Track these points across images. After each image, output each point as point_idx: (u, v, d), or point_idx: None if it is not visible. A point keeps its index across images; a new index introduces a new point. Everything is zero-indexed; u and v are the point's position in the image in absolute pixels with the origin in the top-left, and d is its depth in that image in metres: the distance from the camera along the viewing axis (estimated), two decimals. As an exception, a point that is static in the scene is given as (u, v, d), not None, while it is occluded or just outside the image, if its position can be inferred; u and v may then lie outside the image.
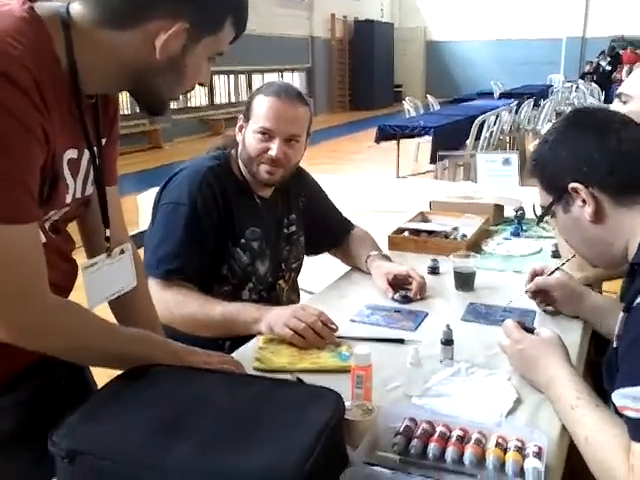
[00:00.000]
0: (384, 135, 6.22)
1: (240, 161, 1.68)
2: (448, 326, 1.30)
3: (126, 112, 8.69)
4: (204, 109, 12.03)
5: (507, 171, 2.56)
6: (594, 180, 1.04)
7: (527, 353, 1.18)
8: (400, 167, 6.91)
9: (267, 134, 1.59)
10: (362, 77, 15.85)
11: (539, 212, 1.19)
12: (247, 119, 1.64)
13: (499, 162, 2.58)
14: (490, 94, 11.70)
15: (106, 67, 0.92)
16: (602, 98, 11.17)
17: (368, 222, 2.17)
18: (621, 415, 0.90)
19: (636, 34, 14.69)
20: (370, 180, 4.07)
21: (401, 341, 1.39)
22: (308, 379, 1.21)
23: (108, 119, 1.08)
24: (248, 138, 1.62)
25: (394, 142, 6.58)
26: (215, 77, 12.12)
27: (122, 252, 1.14)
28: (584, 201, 1.05)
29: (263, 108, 1.59)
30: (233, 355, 1.36)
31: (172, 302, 1.51)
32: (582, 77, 14.21)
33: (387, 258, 1.81)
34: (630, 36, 14.88)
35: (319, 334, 1.35)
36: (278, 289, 1.77)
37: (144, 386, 0.95)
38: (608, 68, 14.07)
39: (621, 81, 12.92)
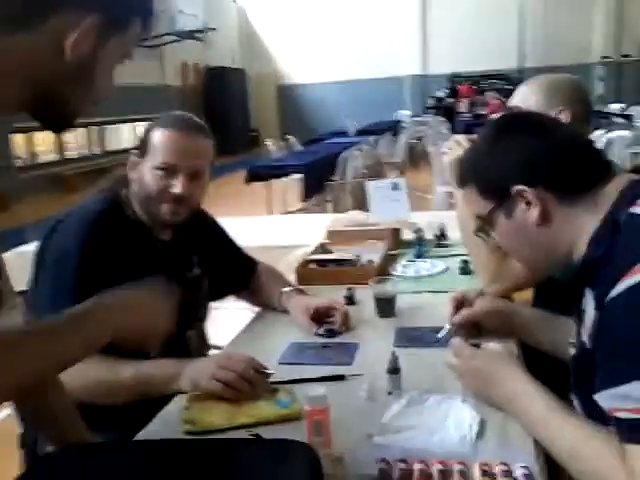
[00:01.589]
0: (254, 176, 6.15)
1: (135, 202, 1.51)
2: (393, 353, 1.21)
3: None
4: (54, 165, 11.34)
5: (397, 195, 2.57)
6: (539, 180, 1.00)
7: (484, 369, 1.12)
8: (271, 207, 6.87)
9: (169, 170, 1.44)
10: (217, 123, 15.73)
11: (475, 224, 1.13)
12: (143, 155, 1.47)
13: (388, 188, 2.59)
14: (344, 133, 12.10)
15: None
16: (450, 128, 11.93)
17: (263, 259, 2.05)
18: (609, 417, 0.85)
19: (471, 69, 16.07)
20: (256, 216, 3.95)
21: (342, 377, 1.28)
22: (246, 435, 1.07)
23: None
24: (146, 176, 1.46)
25: (257, 185, 6.54)
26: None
27: (12, 307, 0.95)
28: (528, 204, 1.00)
29: (163, 142, 1.45)
30: (155, 421, 1.19)
31: (75, 369, 1.29)
32: (425, 112, 15.18)
33: (302, 292, 1.71)
34: (466, 72, 16.26)
35: (252, 383, 1.21)
36: (188, 341, 1.59)
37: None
38: (450, 100, 15.19)
39: (464, 112, 14.05)
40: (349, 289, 1.76)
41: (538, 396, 1.02)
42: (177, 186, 1.44)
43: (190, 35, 13.69)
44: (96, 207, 1.47)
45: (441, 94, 15.69)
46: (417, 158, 11.80)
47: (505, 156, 1.03)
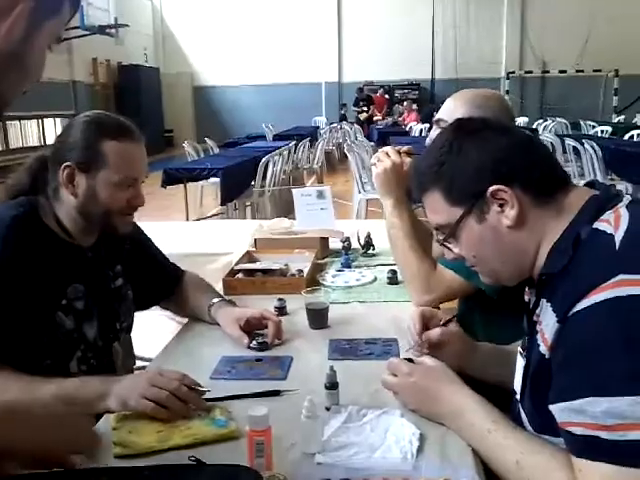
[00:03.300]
0: (170, 179, 5.98)
1: (71, 213, 1.42)
2: (332, 367, 1.19)
3: None
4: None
5: (322, 204, 2.56)
6: (515, 179, 0.97)
7: (422, 385, 1.11)
8: (189, 211, 6.70)
9: (129, 183, 1.41)
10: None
11: (440, 234, 1.08)
12: (90, 168, 1.38)
13: (314, 196, 2.58)
14: (262, 137, 12.04)
15: None
16: (365, 135, 12.12)
17: (186, 267, 1.99)
18: (560, 430, 0.86)
19: (384, 79, 16.45)
20: (170, 224, 3.83)
21: (277, 393, 1.25)
22: (183, 456, 1.02)
23: None
24: (103, 191, 1.39)
25: (173, 188, 6.37)
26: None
27: None
28: (501, 205, 0.98)
29: (122, 156, 1.39)
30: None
31: None
32: (342, 118, 15.40)
33: (233, 303, 1.66)
34: (379, 81, 16.61)
35: (185, 401, 1.15)
36: (114, 353, 1.51)
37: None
38: (361, 112, 15.43)
39: (380, 121, 14.33)
40: (280, 299, 1.73)
41: (481, 410, 1.02)
42: (139, 198, 1.45)
43: (101, 30, 13.18)
44: (9, 212, 1.36)
45: (352, 106, 16.00)
46: (334, 164, 11.93)
47: (475, 156, 1.00)
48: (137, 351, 1.76)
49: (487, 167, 0.99)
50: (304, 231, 2.35)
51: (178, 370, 1.23)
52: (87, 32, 12.86)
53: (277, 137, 11.42)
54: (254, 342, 1.49)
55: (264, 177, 6.28)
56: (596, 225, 0.93)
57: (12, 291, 1.28)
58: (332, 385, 1.17)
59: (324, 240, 2.30)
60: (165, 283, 1.73)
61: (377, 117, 14.72)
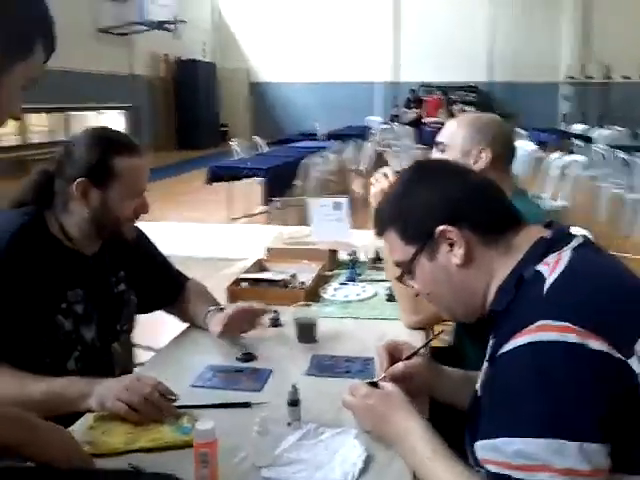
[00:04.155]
0: (215, 177, 6.14)
1: (80, 223, 1.53)
2: (294, 386, 1.26)
3: None
4: (17, 149, 11.12)
5: (338, 215, 2.62)
6: (462, 219, 1.02)
7: (376, 407, 1.16)
8: (232, 209, 6.86)
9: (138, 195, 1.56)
10: (187, 117, 15.67)
11: (396, 269, 1.12)
12: (103, 183, 1.49)
13: (330, 206, 2.64)
14: (313, 135, 12.13)
15: None
16: (416, 137, 12.05)
17: (203, 271, 2.08)
18: (480, 467, 0.90)
19: (440, 80, 16.25)
20: (201, 226, 3.96)
21: (247, 405, 1.32)
22: (147, 459, 1.11)
23: None
24: (115, 203, 1.51)
25: (221, 184, 6.53)
26: (27, 115, 11.28)
27: None
28: (451, 245, 1.02)
29: (132, 171, 1.53)
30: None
31: None
32: (392, 119, 15.32)
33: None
34: (435, 82, 16.44)
35: (156, 406, 1.24)
36: (114, 353, 1.63)
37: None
38: (412, 114, 15.29)
39: (432, 124, 14.20)
40: (275, 311, 1.80)
41: (424, 437, 1.06)
42: (145, 206, 1.58)
43: (160, 26, 13.54)
44: (17, 220, 1.48)
45: (403, 108, 15.89)
46: (384, 166, 11.86)
47: (426, 197, 1.05)
48: (148, 341, 1.87)
49: (436, 207, 1.04)
50: (318, 241, 2.41)
51: (164, 375, 1.33)
52: (147, 28, 13.22)
53: (328, 136, 11.48)
54: (240, 353, 1.57)
55: (305, 178, 6.36)
56: (538, 267, 0.96)
57: (15, 293, 1.40)
58: (293, 402, 1.24)
59: (333, 252, 2.36)
60: (167, 290, 1.82)
61: (428, 119, 14.58)
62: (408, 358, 1.30)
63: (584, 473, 0.81)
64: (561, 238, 1.02)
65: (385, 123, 14.15)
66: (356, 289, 2.10)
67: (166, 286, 1.82)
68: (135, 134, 14.58)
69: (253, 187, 7.17)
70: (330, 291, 2.08)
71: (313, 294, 2.00)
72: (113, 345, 1.65)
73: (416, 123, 14.28)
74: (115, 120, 13.50)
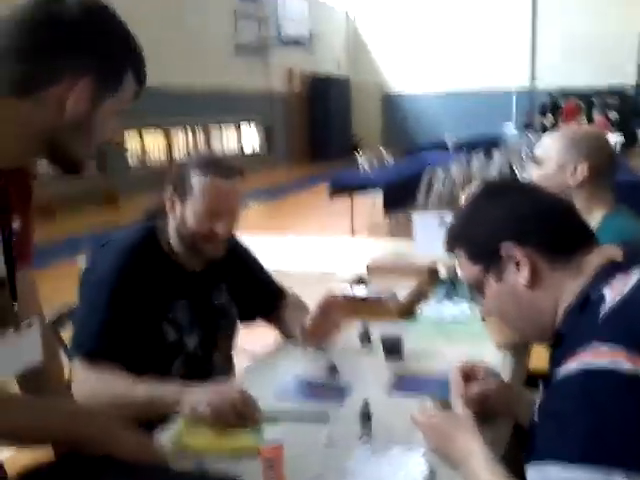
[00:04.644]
0: (336, 190, 6.29)
1: (174, 234, 1.69)
2: (365, 400, 1.31)
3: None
4: (162, 165, 12.01)
5: (442, 231, 2.61)
6: (528, 239, 1.01)
7: (441, 426, 1.18)
8: (356, 222, 6.96)
9: (211, 214, 1.61)
10: (320, 131, 16.11)
11: (467, 289, 1.16)
12: (182, 197, 1.64)
13: (435, 222, 2.64)
14: (443, 144, 12.00)
15: (12, 138, 0.93)
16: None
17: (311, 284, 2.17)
18: None
19: (579, 85, 15.40)
20: (319, 241, 4.09)
21: (325, 417, 1.39)
22: (226, 462, 1.21)
23: (23, 197, 1.09)
24: (189, 218, 1.63)
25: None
26: (172, 131, 12.17)
27: (29, 326, 1.11)
28: (518, 264, 1.02)
29: (206, 190, 1.60)
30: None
31: (97, 383, 1.49)
32: (527, 127, 14.75)
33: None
34: (574, 87, 15.60)
35: (240, 414, 1.35)
36: (214, 361, 1.77)
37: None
38: (547, 123, 14.60)
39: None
40: (364, 325, 1.85)
41: (487, 461, 1.07)
42: (220, 227, 1.62)
43: (295, 41, 14.03)
44: (133, 238, 1.67)
45: (538, 115, 15.20)
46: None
47: (492, 216, 1.06)
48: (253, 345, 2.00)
49: (501, 226, 1.04)
50: (417, 258, 2.43)
51: (253, 384, 1.46)
52: (282, 43, 13.72)
53: (458, 146, 11.32)
54: (326, 367, 1.64)
55: (427, 191, 6.33)
56: (605, 290, 0.94)
57: (126, 306, 1.58)
58: (364, 417, 1.29)
59: (433, 269, 2.36)
60: (266, 304, 1.95)
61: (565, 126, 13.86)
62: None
63: None
64: (632, 259, 0.99)
65: (522, 131, 13.66)
66: (452, 309, 2.10)
67: (265, 300, 1.95)
68: (270, 149, 15.27)
69: (377, 200, 7.24)
70: (426, 310, 2.09)
71: (408, 311, 2.03)
72: (215, 353, 1.79)
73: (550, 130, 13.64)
74: (251, 135, 14.16)
